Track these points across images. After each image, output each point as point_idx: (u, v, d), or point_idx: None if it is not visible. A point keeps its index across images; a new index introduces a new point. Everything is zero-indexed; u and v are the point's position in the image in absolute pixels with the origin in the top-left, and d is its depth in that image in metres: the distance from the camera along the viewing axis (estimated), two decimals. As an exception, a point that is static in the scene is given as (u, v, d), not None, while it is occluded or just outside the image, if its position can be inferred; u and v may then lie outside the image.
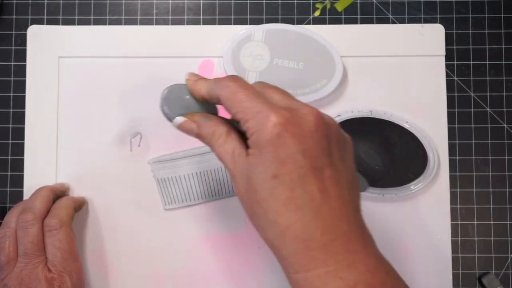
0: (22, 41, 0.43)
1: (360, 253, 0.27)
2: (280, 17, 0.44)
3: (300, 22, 0.43)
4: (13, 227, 0.36)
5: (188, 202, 0.41)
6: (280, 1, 0.44)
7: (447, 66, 0.43)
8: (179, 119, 0.32)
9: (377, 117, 0.41)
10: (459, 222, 0.42)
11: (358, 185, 0.30)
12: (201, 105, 0.32)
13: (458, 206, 0.42)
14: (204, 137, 0.31)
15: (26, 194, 0.41)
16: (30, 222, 0.36)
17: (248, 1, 0.44)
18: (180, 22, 0.44)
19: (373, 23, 0.43)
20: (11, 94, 0.43)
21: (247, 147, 0.29)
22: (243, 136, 0.29)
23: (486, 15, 0.43)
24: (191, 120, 0.31)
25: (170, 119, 0.32)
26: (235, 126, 0.30)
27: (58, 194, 0.40)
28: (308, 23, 0.43)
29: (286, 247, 0.27)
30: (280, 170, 0.27)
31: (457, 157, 0.42)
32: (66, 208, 0.38)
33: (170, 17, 0.44)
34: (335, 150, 0.28)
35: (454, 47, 0.43)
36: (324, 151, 0.28)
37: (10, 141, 0.43)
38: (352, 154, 0.30)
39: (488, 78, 0.43)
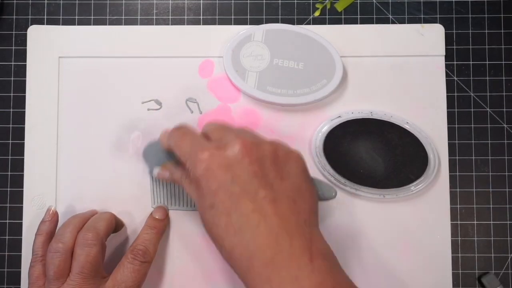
0: (22, 41, 0.43)
1: (304, 269, 0.27)
2: (280, 17, 0.44)
3: (300, 22, 0.43)
4: (68, 244, 0.35)
5: (175, 206, 0.41)
6: (280, 1, 0.44)
7: (447, 66, 0.43)
8: (156, 170, 0.38)
9: (377, 118, 0.41)
10: (459, 222, 0.42)
11: (310, 198, 0.31)
12: (173, 155, 0.36)
13: (458, 206, 0.42)
14: (176, 181, 0.36)
15: (26, 194, 0.41)
16: (92, 242, 0.35)
17: (248, 1, 0.44)
18: (180, 22, 0.44)
19: (373, 23, 0.43)
20: (11, 94, 0.43)
21: None
22: None
23: (486, 15, 0.43)
24: (165, 169, 0.37)
25: (149, 171, 0.40)
26: None
27: (118, 222, 0.40)
28: (308, 23, 0.43)
29: (236, 267, 0.29)
30: (214, 199, 0.30)
31: (457, 157, 0.42)
32: (106, 223, 0.37)
33: (170, 17, 0.44)
34: (271, 170, 0.30)
35: (454, 47, 0.43)
36: (256, 174, 0.30)
37: (10, 141, 0.43)
38: (300, 168, 0.32)
39: (488, 78, 0.43)
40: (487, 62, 0.43)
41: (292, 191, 0.30)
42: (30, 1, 0.44)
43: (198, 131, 0.35)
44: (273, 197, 0.29)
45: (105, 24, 0.43)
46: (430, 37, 0.42)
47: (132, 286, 0.35)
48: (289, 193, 0.30)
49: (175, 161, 0.36)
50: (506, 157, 0.43)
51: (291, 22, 0.43)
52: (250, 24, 0.43)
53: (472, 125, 0.43)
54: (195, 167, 0.31)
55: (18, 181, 0.42)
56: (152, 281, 0.41)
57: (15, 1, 0.44)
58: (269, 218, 0.29)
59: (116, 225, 0.40)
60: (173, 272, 0.41)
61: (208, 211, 0.30)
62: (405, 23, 0.43)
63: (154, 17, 0.44)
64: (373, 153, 0.41)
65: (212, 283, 0.41)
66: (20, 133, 0.42)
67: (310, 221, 0.30)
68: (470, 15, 0.44)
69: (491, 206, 0.42)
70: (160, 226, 0.39)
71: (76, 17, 0.44)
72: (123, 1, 0.44)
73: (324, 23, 0.44)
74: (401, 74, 0.42)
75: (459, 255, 0.42)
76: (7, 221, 0.42)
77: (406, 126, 0.41)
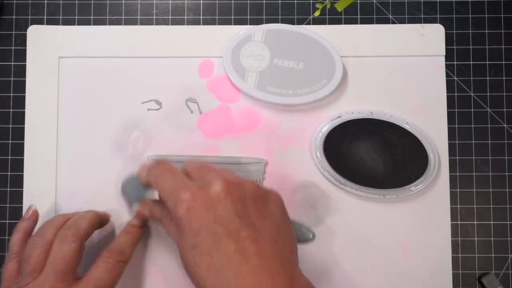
0: (22, 41, 0.43)
1: None
2: (280, 17, 0.44)
3: (300, 22, 0.43)
4: (48, 239, 0.35)
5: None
6: (280, 1, 0.44)
7: (447, 66, 0.43)
8: (135, 207, 0.37)
9: (377, 118, 0.41)
10: (459, 222, 0.42)
11: (290, 238, 0.32)
12: (153, 191, 0.36)
13: (458, 206, 0.42)
14: (156, 218, 0.35)
15: (26, 194, 0.41)
16: (70, 239, 0.35)
17: (248, 1, 0.44)
18: (180, 22, 0.44)
19: (373, 23, 0.43)
20: (11, 94, 0.43)
21: None
22: None
23: (486, 15, 0.43)
24: (144, 206, 0.37)
25: (129, 206, 0.39)
26: None
27: (103, 219, 0.40)
28: (308, 23, 0.43)
29: None
30: (196, 240, 0.29)
31: (457, 157, 0.42)
32: (87, 222, 0.37)
33: (170, 17, 0.44)
34: (253, 210, 0.31)
35: (454, 47, 0.43)
36: (238, 214, 0.30)
37: (10, 141, 0.43)
38: (280, 208, 0.32)
39: (488, 78, 0.43)
40: (487, 62, 0.43)
41: (273, 230, 0.31)
42: (30, 1, 0.44)
43: (178, 168, 0.34)
44: (255, 237, 0.29)
45: (105, 24, 0.43)
46: (430, 37, 0.42)
47: (105, 285, 0.34)
48: (270, 233, 0.30)
49: (154, 199, 0.36)
50: (506, 157, 0.42)
51: (291, 22, 0.43)
52: (250, 24, 0.43)
53: (472, 125, 0.43)
54: (177, 207, 0.30)
55: (18, 181, 0.42)
56: (151, 280, 0.41)
57: (15, 1, 0.44)
58: (251, 258, 0.29)
59: (102, 220, 0.39)
60: (171, 273, 0.41)
61: (190, 252, 0.30)
62: (405, 23, 0.43)
63: (154, 17, 0.44)
64: (373, 153, 0.41)
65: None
66: (20, 133, 0.42)
67: (291, 260, 0.31)
68: (470, 15, 0.44)
69: (491, 206, 0.42)
70: (137, 232, 0.38)
71: (76, 17, 0.44)
72: (123, 1, 0.44)
73: (324, 23, 0.43)
74: (401, 74, 0.42)
75: (459, 255, 0.42)
76: (7, 221, 0.42)
77: (406, 126, 0.41)
